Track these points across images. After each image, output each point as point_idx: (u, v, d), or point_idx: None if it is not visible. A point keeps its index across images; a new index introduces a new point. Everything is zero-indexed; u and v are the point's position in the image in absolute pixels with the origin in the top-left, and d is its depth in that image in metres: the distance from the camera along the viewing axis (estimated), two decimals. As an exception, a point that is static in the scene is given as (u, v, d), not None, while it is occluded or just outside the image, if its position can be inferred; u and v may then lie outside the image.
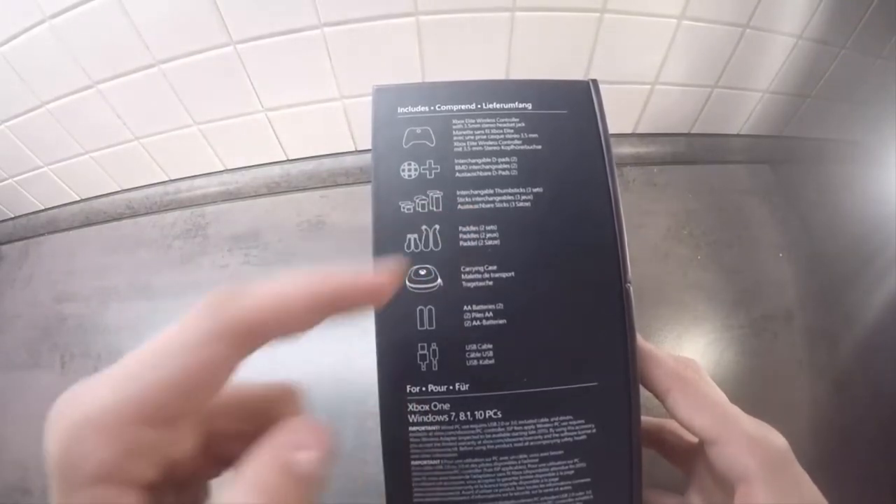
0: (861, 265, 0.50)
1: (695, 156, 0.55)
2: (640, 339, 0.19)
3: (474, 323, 0.17)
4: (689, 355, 0.46)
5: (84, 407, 0.10)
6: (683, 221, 0.52)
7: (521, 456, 0.16)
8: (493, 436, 0.16)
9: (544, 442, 0.17)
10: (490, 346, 0.17)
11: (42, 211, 0.59)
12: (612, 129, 0.18)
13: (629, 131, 0.54)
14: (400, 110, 0.18)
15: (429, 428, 0.16)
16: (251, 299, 0.12)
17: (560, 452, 0.17)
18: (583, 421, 0.17)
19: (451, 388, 0.17)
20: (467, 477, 0.16)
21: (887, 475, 0.42)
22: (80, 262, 0.55)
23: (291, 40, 0.43)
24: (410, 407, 0.17)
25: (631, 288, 0.18)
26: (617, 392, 0.17)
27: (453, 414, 0.16)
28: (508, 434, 0.17)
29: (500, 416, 0.17)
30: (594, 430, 0.17)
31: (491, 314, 0.17)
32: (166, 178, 0.55)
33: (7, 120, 0.49)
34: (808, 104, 0.54)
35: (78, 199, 0.57)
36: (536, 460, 0.17)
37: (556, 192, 0.18)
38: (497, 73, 0.46)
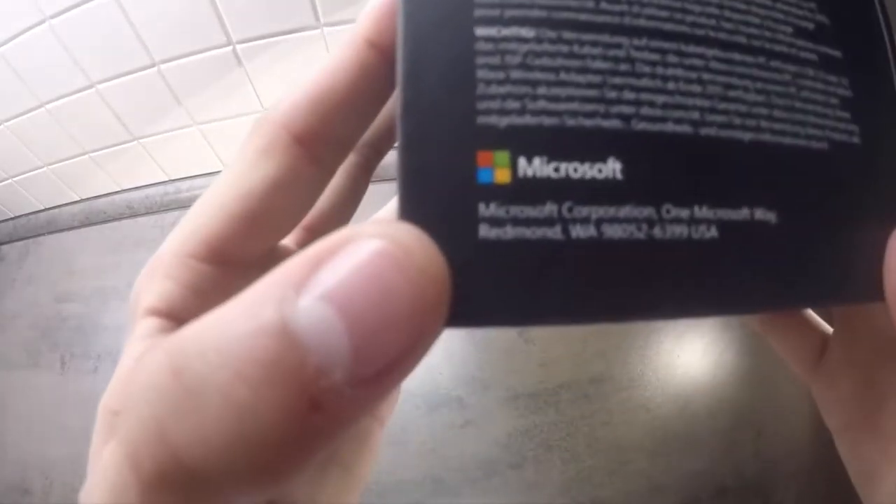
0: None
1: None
2: None
3: None
4: (688, 355, 0.46)
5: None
6: (683, 221, 0.51)
7: None
8: None
9: None
10: None
11: (42, 211, 0.59)
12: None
13: (629, 131, 0.54)
14: None
15: None
16: (292, 95, 0.09)
17: None
18: None
19: None
20: None
21: (887, 475, 0.42)
22: (80, 262, 0.55)
23: (291, 40, 0.43)
24: None
25: None
26: None
27: None
28: None
29: None
30: None
31: None
32: (166, 178, 0.55)
33: (7, 120, 0.49)
34: (808, 104, 0.54)
35: (78, 199, 0.57)
36: None
37: None
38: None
